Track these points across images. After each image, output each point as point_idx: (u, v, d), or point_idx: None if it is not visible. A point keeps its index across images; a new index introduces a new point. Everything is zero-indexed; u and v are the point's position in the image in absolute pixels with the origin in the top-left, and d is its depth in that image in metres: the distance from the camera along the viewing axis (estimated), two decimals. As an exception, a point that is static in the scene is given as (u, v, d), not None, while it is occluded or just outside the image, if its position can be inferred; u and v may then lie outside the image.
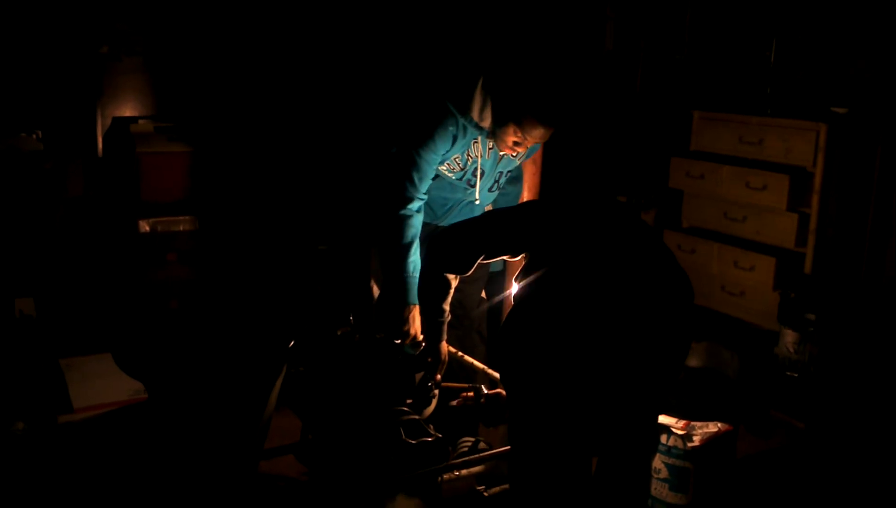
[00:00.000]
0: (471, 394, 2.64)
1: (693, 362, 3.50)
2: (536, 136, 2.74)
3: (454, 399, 2.70)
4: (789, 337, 3.48)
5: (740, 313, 3.87)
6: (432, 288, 2.58)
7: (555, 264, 2.20)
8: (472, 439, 2.66)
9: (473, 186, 2.99)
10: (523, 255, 2.33)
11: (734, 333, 3.78)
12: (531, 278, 2.23)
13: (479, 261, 2.38)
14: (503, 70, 2.81)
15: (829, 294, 3.51)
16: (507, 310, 2.67)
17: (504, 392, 2.61)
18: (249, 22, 4.58)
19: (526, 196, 3.05)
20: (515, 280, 2.29)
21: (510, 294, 2.73)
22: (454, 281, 2.56)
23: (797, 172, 3.64)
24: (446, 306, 2.65)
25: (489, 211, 2.97)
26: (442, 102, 2.79)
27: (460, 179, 2.95)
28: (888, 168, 3.68)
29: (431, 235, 2.77)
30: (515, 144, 2.77)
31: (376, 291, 3.33)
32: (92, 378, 3.32)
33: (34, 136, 4.14)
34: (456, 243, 2.41)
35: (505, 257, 2.41)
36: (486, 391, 2.63)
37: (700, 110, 4.14)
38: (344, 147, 4.69)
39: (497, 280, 3.37)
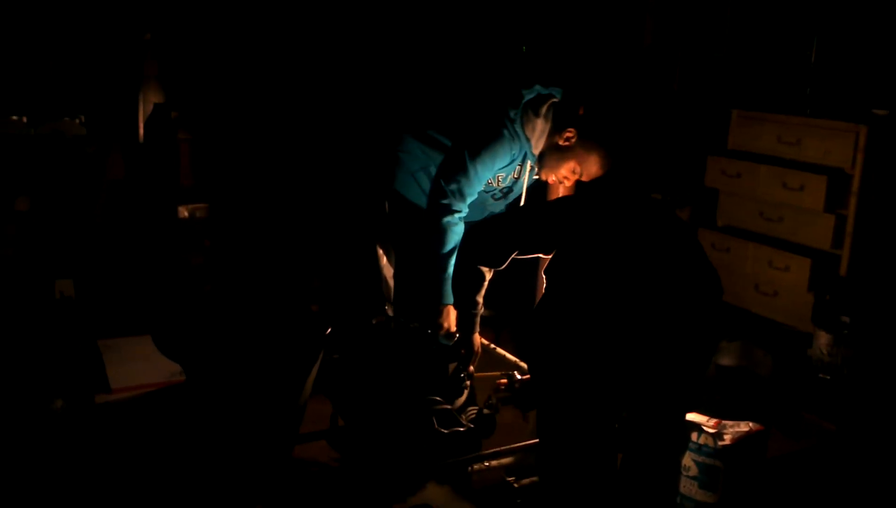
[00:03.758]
0: (504, 381, 2.65)
1: (726, 361, 3.49)
2: (593, 174, 2.72)
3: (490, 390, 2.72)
4: (823, 339, 3.46)
5: (774, 313, 3.85)
6: (466, 281, 2.61)
7: (584, 258, 2.22)
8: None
9: (497, 200, 3.00)
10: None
11: (767, 333, 3.76)
12: (561, 271, 2.24)
13: (513, 256, 2.40)
14: (592, 112, 2.74)
15: (864, 297, 3.49)
16: (536, 302, 2.69)
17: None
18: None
19: (561, 191, 3.05)
20: (544, 273, 2.31)
21: (539, 287, 2.75)
22: (488, 274, 2.58)
23: (835, 173, 3.61)
24: (479, 299, 2.67)
25: (524, 205, 2.98)
26: (512, 125, 2.76)
27: (488, 192, 2.96)
28: (928, 171, 3.65)
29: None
30: (565, 177, 2.75)
31: (382, 257, 3.34)
32: (129, 360, 3.37)
33: (77, 120, 4.20)
34: (491, 237, 2.43)
35: (539, 254, 2.42)
36: (518, 377, 2.65)
37: (738, 109, 4.11)
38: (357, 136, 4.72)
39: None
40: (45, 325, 3.72)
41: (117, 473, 2.68)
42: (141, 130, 4.46)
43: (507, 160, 2.81)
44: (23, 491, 2.57)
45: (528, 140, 2.76)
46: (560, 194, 2.82)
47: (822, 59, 4.02)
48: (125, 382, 3.24)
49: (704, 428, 2.69)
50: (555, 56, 4.76)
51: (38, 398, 3.00)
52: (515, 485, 2.54)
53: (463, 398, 2.71)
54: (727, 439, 2.67)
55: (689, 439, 2.64)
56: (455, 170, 2.77)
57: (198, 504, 2.34)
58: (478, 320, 2.73)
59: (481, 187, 2.84)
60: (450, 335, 2.82)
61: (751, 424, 2.75)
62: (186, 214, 4.22)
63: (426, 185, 2.96)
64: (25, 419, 2.93)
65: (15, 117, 4.07)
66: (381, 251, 3.34)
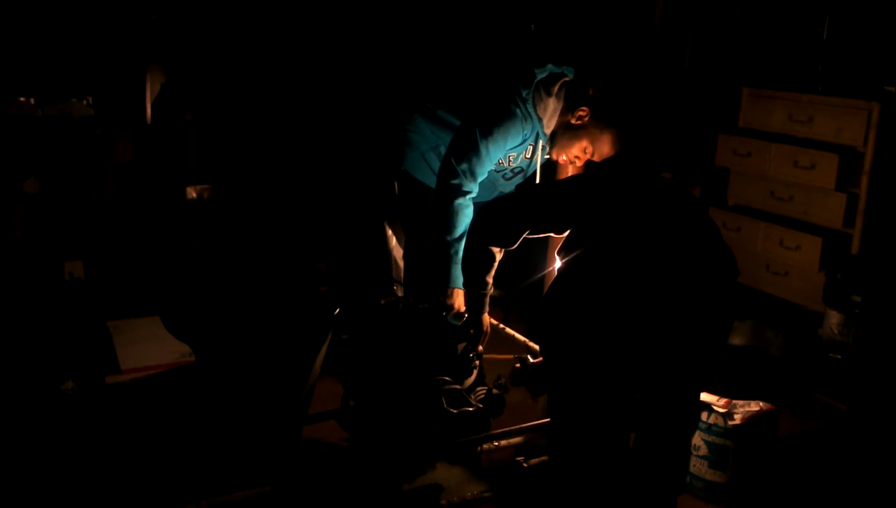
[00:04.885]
0: (517, 365, 2.65)
1: (736, 340, 3.48)
2: (605, 154, 2.70)
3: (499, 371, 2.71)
4: (834, 318, 3.44)
5: (785, 292, 3.83)
6: (476, 260, 2.60)
7: (598, 238, 2.20)
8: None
9: (508, 179, 2.98)
10: (568, 231, 2.33)
11: (778, 312, 3.74)
12: (574, 251, 2.23)
13: (524, 235, 2.39)
14: (605, 91, 2.71)
15: (875, 276, 3.47)
16: (548, 283, 2.68)
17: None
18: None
19: (571, 171, 3.03)
20: (557, 254, 2.30)
21: (551, 267, 2.75)
22: (499, 254, 2.56)
23: (847, 151, 3.58)
24: (489, 279, 2.66)
25: (535, 184, 2.97)
26: (524, 104, 2.74)
27: (499, 172, 2.94)
28: (942, 149, 3.62)
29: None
30: (576, 157, 2.74)
31: (391, 238, 3.33)
32: (139, 341, 3.37)
33: (85, 101, 4.20)
34: (502, 216, 2.41)
35: (551, 233, 2.40)
36: (532, 361, 2.64)
37: (749, 87, 4.07)
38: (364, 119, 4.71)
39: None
40: (54, 307, 3.74)
41: (128, 453, 2.69)
42: (148, 111, 4.45)
43: (519, 140, 2.79)
44: (34, 472, 2.59)
45: (539, 119, 2.73)
46: (570, 174, 2.81)
47: (833, 35, 3.98)
48: (135, 363, 3.24)
49: (715, 408, 2.69)
50: (565, 35, 4.73)
51: (49, 380, 3.01)
52: (525, 465, 2.54)
53: (472, 379, 2.71)
54: (737, 419, 2.66)
55: (699, 418, 2.64)
56: (466, 149, 2.74)
57: (207, 484, 2.35)
58: (487, 300, 2.72)
59: (492, 167, 2.82)
60: (459, 315, 2.82)
61: (761, 404, 2.75)
62: (195, 194, 4.22)
63: (436, 165, 2.95)
64: (36, 401, 2.94)
65: (22, 98, 4.07)
66: (390, 232, 3.33)
